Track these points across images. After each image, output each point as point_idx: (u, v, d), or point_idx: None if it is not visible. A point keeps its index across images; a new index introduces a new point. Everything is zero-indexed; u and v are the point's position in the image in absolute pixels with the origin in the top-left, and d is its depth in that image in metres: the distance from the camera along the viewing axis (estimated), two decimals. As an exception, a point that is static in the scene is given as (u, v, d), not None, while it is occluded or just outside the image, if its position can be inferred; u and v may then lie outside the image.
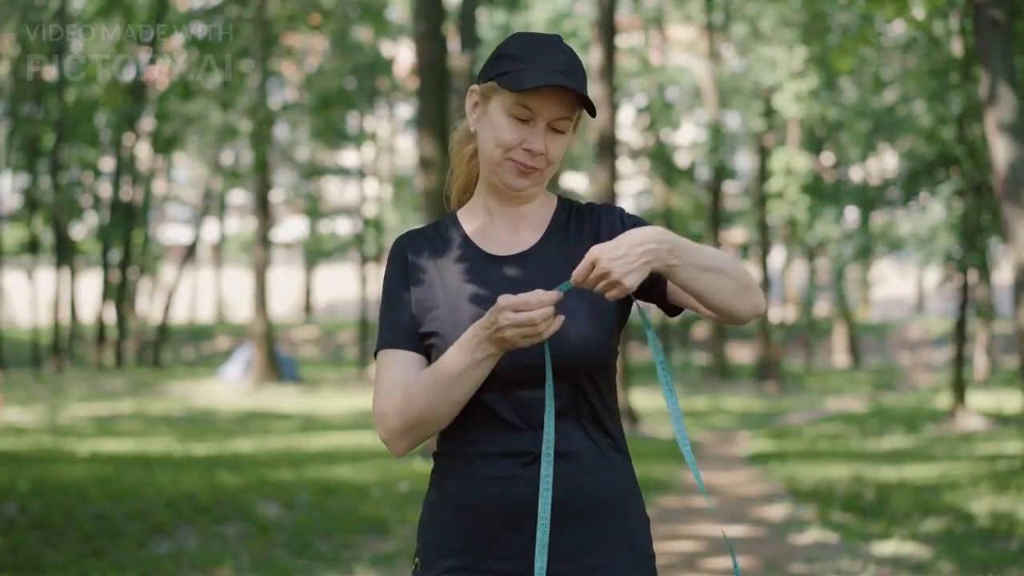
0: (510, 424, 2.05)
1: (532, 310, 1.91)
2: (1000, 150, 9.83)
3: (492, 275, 2.11)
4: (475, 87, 2.14)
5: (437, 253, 2.15)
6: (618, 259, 1.90)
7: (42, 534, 6.80)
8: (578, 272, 1.92)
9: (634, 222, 2.13)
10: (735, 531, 7.87)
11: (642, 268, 1.92)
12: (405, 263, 2.14)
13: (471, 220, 2.18)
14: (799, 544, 7.37)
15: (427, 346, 2.10)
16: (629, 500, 2.11)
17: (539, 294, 1.92)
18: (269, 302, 27.41)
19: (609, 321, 2.09)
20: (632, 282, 1.91)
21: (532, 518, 2.02)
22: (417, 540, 2.15)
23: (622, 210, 2.18)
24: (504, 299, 1.92)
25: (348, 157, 42.21)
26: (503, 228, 2.16)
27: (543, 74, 2.02)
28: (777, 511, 8.79)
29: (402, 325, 2.11)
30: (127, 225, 33.67)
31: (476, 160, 2.20)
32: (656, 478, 10.68)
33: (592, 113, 2.06)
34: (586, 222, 2.17)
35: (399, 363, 2.08)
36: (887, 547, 7.04)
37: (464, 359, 1.98)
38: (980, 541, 7.16)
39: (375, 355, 2.13)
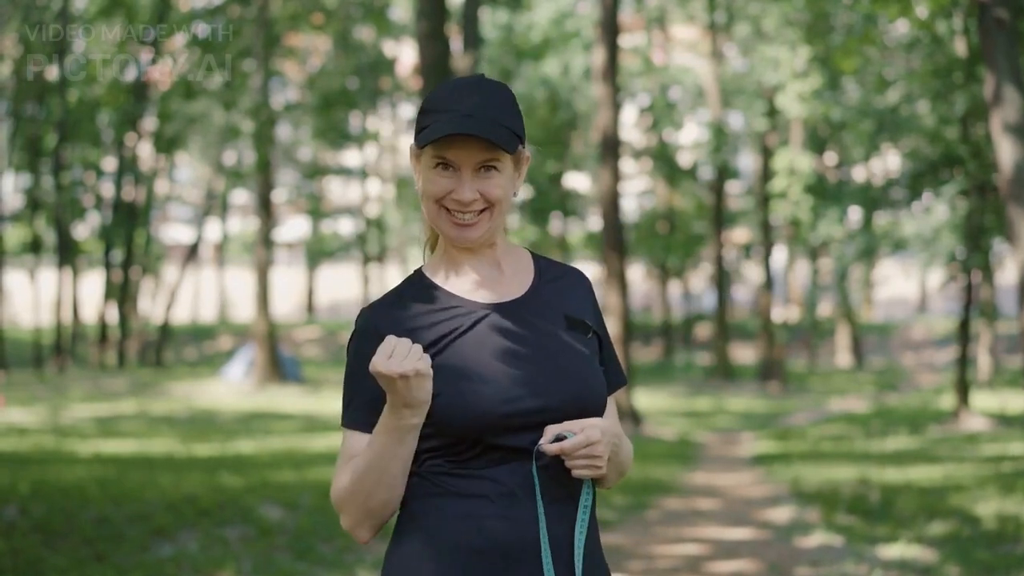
0: (496, 463, 1.95)
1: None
2: (1005, 150, 9.79)
3: (487, 324, 2.01)
4: (411, 146, 2.06)
5: (413, 319, 2.01)
6: (607, 448, 1.96)
7: (43, 537, 6.78)
8: (574, 443, 1.91)
9: (596, 306, 2.13)
10: (739, 534, 7.83)
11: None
12: (376, 338, 1.96)
13: (444, 273, 2.07)
14: (804, 547, 7.33)
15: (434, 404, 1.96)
16: (600, 547, 2.07)
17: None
18: (271, 302, 27.38)
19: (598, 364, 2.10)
20: (603, 472, 1.97)
21: (526, 558, 1.93)
22: None
23: (591, 285, 2.16)
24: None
25: (350, 157, 42.27)
26: (482, 278, 2.06)
27: (448, 123, 1.95)
28: (781, 514, 8.75)
29: (367, 404, 1.99)
30: (129, 225, 33.67)
31: None
32: (659, 480, 10.65)
33: (509, 151, 1.97)
34: (567, 284, 2.12)
35: (357, 446, 2.00)
36: (893, 550, 7.00)
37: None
38: (986, 544, 7.12)
39: (342, 424, 2.04)
